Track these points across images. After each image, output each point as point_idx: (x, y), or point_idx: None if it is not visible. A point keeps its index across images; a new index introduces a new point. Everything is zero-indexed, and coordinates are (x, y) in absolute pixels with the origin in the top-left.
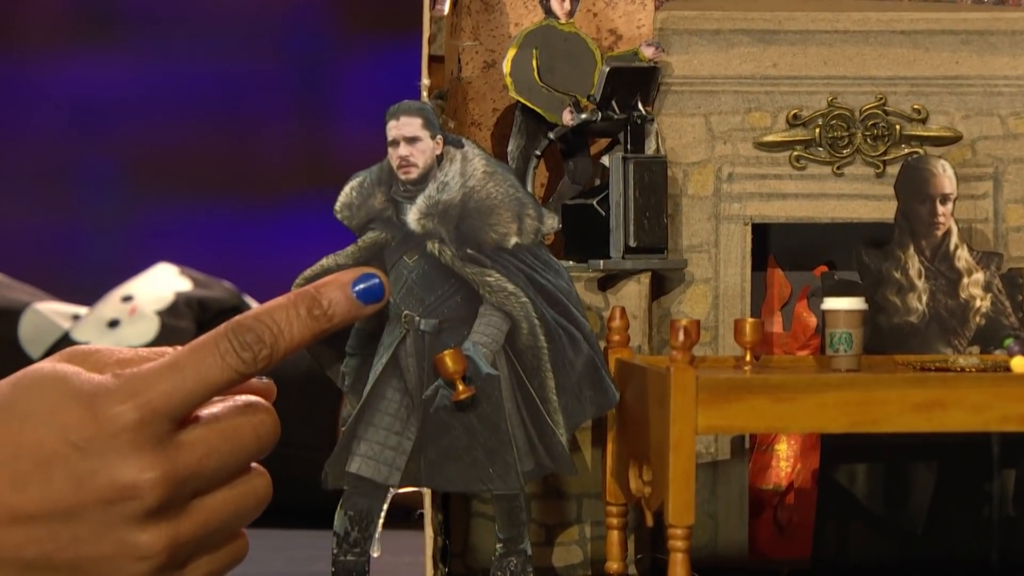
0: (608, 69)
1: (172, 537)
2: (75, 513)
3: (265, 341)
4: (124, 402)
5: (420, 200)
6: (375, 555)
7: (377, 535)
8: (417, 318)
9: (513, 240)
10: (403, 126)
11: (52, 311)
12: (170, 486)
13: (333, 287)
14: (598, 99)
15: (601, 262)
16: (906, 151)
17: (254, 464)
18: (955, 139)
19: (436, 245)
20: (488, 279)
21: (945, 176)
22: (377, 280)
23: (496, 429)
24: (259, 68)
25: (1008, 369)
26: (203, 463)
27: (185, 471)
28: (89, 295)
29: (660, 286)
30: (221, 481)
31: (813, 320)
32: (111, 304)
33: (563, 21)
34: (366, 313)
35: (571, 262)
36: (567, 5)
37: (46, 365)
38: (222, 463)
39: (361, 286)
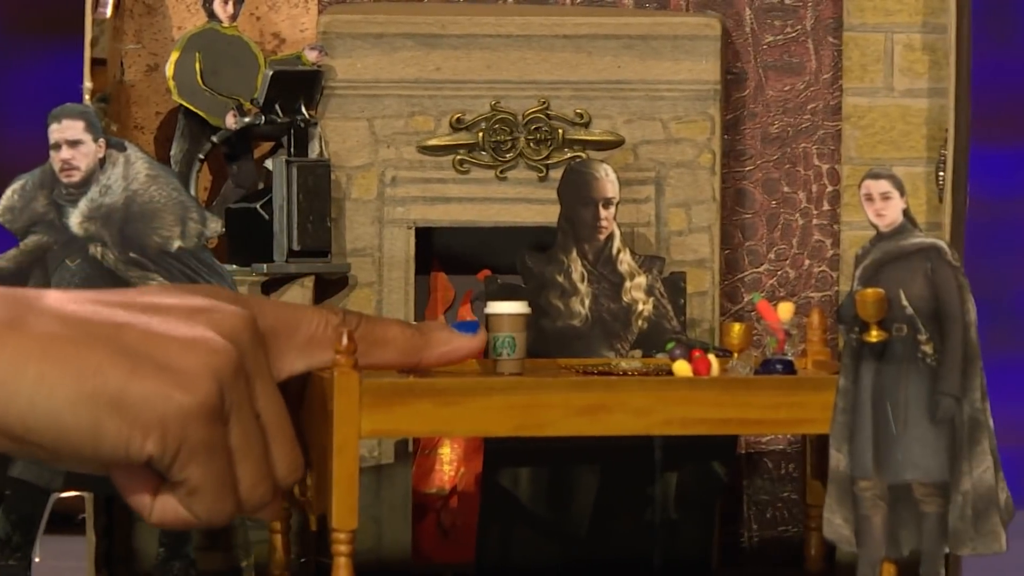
0: (271, 73)
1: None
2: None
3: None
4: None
5: (83, 203)
6: (36, 560)
7: (38, 540)
8: None
9: (176, 244)
10: (65, 129)
11: None
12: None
13: None
14: (261, 103)
15: (265, 266)
16: (569, 155)
17: None
18: (617, 143)
19: (99, 249)
20: (151, 283)
21: (607, 180)
22: None
23: None
24: None
25: (670, 373)
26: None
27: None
28: None
29: (324, 290)
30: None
31: None
32: None
33: (226, 24)
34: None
35: (235, 266)
36: (230, 8)
37: None
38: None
39: None
